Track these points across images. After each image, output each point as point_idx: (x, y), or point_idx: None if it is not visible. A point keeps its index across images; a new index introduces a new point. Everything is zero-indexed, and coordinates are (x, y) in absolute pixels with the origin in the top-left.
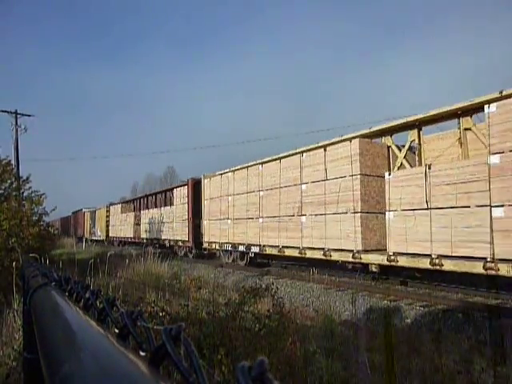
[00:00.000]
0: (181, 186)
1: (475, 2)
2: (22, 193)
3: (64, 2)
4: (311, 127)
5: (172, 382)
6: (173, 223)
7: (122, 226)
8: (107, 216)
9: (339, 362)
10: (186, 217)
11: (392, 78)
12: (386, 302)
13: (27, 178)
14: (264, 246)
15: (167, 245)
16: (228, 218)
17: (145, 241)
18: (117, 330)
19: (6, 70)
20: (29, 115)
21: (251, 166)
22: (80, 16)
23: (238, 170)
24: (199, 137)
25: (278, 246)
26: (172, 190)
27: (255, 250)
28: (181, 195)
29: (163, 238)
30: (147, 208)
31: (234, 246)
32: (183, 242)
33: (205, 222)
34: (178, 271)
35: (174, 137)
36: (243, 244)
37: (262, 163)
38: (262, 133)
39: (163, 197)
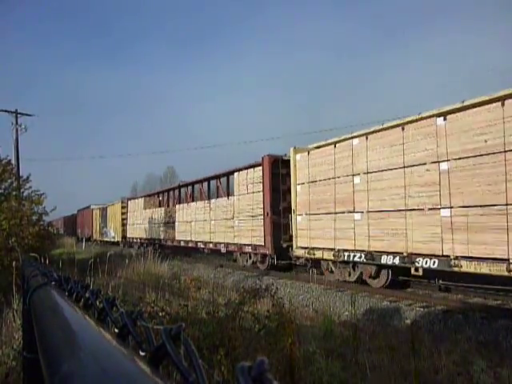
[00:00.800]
0: (248, 167)
1: (476, 2)
2: (22, 192)
3: (64, 2)
4: (312, 127)
5: (172, 381)
6: (233, 221)
7: (145, 224)
8: (123, 213)
9: (338, 363)
10: (261, 211)
11: (392, 78)
12: (385, 302)
13: (27, 178)
14: (456, 258)
15: (222, 250)
16: (354, 211)
17: (182, 243)
18: (117, 330)
19: (6, 69)
20: (29, 115)
21: (413, 121)
22: (80, 16)
23: (376, 131)
24: (199, 137)
25: (507, 260)
26: (230, 174)
27: (428, 263)
28: (248, 181)
29: (216, 241)
30: (180, 202)
31: (371, 255)
32: (254, 247)
33: (299, 218)
34: (178, 271)
35: (174, 137)
36: (396, 253)
37: (443, 114)
38: (262, 133)
39: (207, 186)
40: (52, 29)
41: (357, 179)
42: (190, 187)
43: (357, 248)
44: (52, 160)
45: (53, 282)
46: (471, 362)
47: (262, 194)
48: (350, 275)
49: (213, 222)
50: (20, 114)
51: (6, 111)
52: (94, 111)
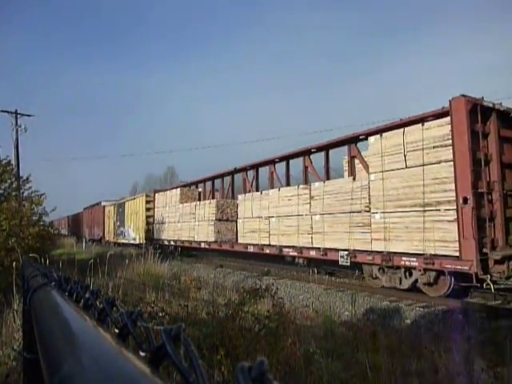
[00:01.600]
0: (404, 124)
1: (477, 2)
2: (22, 193)
3: (65, 5)
4: (312, 128)
5: (172, 382)
6: (369, 215)
7: (183, 222)
8: (148, 209)
9: (339, 362)
10: (444, 196)
11: (391, 79)
12: (385, 302)
13: (27, 178)
14: None
15: (342, 261)
16: None
17: (251, 249)
18: (117, 330)
19: (7, 70)
20: (29, 115)
21: None
22: (80, 17)
23: None
24: (199, 137)
25: None
26: (332, 147)
27: None
28: (407, 147)
29: (326, 246)
30: (233, 192)
31: None
32: (429, 258)
33: None
34: (178, 271)
35: (174, 137)
36: None
37: None
38: (262, 133)
39: (285, 168)
40: (53, 29)
41: None
42: (251, 171)
43: None
44: (51, 160)
45: (53, 283)
46: (471, 361)
47: (450, 165)
48: None
49: (317, 216)
50: (20, 114)
51: (6, 112)
52: (95, 111)
